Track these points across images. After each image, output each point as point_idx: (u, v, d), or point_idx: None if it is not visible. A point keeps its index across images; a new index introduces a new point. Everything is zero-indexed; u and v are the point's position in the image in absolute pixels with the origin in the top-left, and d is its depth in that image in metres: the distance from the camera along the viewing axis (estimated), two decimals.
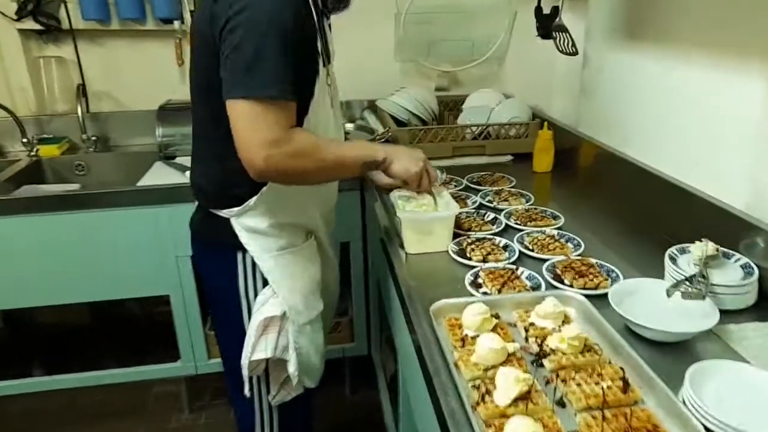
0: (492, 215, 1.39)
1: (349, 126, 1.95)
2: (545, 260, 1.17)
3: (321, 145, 1.05)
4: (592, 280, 1.07)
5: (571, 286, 1.07)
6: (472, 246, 1.22)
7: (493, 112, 1.93)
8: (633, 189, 1.43)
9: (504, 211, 1.41)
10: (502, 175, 1.69)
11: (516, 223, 1.36)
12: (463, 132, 1.86)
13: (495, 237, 1.27)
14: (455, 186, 1.61)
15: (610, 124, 1.58)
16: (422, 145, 1.83)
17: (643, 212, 1.37)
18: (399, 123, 2.02)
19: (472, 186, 1.63)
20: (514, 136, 1.87)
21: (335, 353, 1.99)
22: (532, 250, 1.22)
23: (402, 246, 1.25)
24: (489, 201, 1.50)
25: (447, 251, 1.23)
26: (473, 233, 1.30)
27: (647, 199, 1.38)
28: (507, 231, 1.33)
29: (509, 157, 1.88)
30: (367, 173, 1.22)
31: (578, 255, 1.19)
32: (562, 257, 1.17)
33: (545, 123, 1.73)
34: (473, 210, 1.44)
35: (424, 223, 1.22)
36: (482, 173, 1.71)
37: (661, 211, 1.31)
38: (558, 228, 1.33)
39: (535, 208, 1.43)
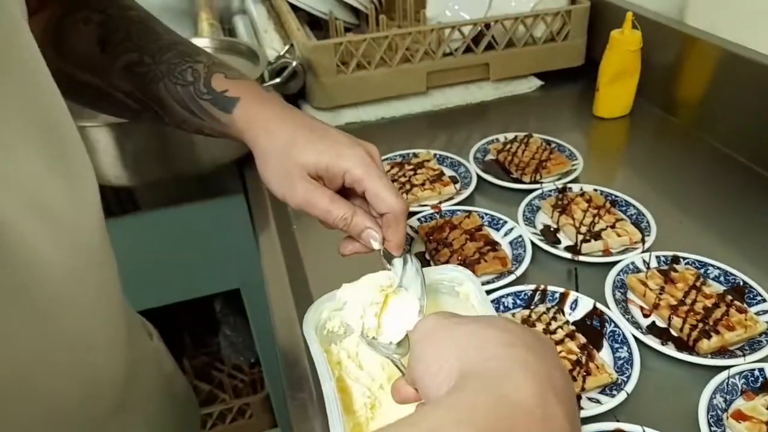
0: (581, 301, 0.52)
1: (201, 43, 0.91)
2: None
3: None
4: None
5: None
6: None
7: None
8: None
9: (610, 273, 0.54)
10: (543, 139, 0.78)
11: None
12: (445, 38, 0.90)
13: None
14: (457, 187, 0.71)
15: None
16: (367, 73, 0.88)
17: None
18: (312, 21, 1.04)
19: (488, 179, 0.72)
20: (545, 40, 0.94)
21: None
22: None
23: None
24: (552, 229, 0.62)
25: None
26: None
27: None
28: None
29: (535, 83, 0.97)
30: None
31: None
32: None
33: (629, 15, 0.80)
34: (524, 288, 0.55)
35: None
36: (500, 137, 0.79)
37: None
38: None
39: (684, 259, 0.56)
